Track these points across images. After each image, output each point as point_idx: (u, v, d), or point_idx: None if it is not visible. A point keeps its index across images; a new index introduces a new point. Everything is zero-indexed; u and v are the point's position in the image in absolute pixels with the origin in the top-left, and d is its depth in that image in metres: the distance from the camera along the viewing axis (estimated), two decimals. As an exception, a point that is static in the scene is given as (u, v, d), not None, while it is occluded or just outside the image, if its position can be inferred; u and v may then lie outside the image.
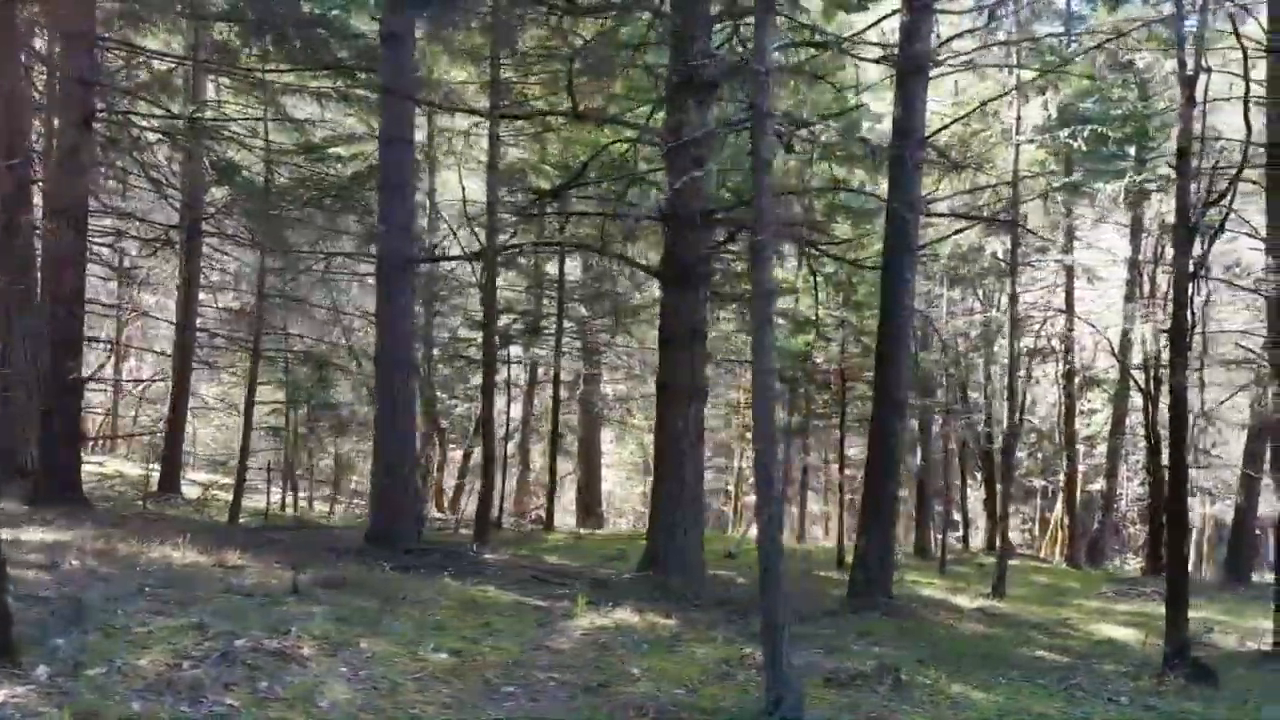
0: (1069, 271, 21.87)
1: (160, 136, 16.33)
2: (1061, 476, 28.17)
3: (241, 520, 15.23)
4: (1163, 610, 14.59)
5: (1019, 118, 13.76)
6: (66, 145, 13.88)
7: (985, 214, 14.30)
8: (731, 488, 29.90)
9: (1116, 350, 20.83)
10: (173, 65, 16.17)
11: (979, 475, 27.32)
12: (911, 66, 10.77)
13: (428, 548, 11.64)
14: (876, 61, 11.10)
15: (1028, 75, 13.33)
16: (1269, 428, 19.11)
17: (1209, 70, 8.63)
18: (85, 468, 21.04)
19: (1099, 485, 28.17)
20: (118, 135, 16.57)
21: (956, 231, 13.94)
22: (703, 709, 6.46)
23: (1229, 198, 8.58)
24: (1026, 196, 13.77)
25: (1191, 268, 8.84)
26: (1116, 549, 27.79)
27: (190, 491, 18.96)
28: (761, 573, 6.37)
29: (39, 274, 14.30)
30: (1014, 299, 13.97)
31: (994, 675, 8.39)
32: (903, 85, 10.98)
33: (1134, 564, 25.93)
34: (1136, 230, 20.87)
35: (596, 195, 12.24)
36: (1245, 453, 20.47)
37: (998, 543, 15.67)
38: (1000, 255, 15.47)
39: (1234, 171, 9.06)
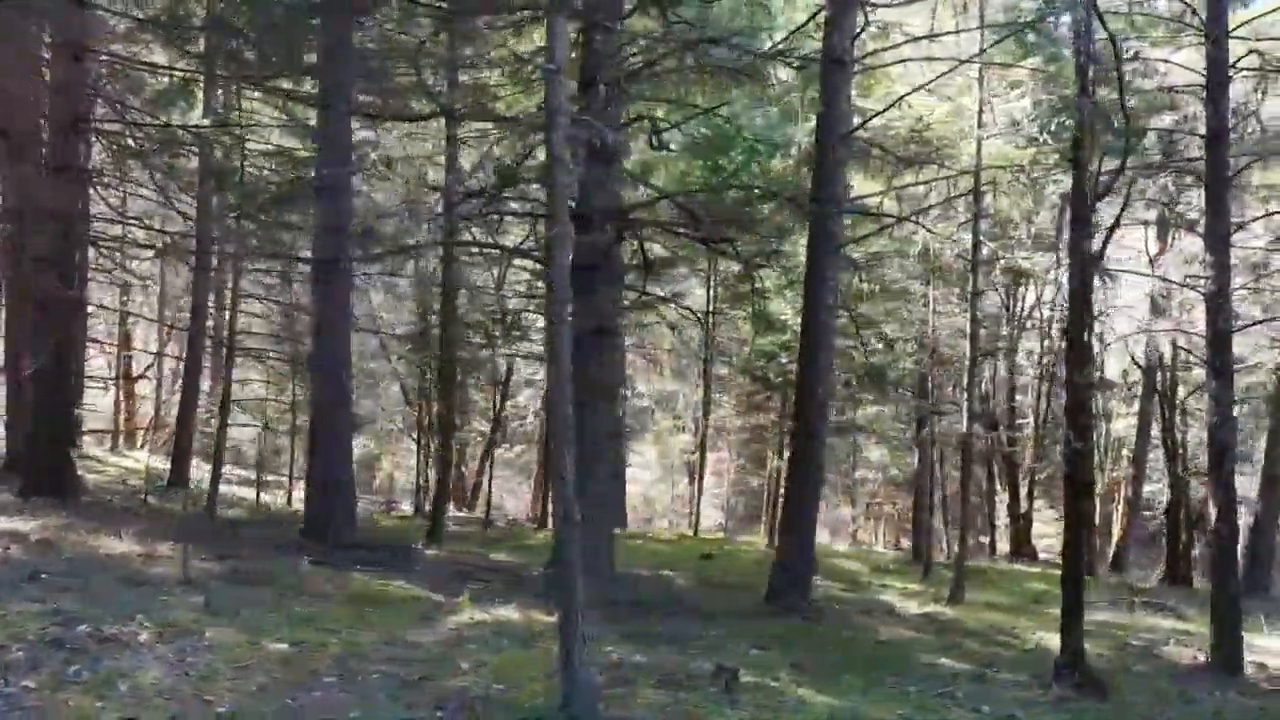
0: (1112, 272, 21.15)
1: (157, 145, 17.01)
2: (1101, 484, 27.43)
3: (228, 514, 15.75)
4: (1140, 620, 14.36)
5: (981, 111, 13.39)
6: (54, 151, 14.55)
7: (953, 212, 13.95)
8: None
9: (1131, 352, 20.08)
10: (161, 72, 16.76)
11: (1001, 479, 26.60)
12: (832, 59, 10.60)
13: (364, 543, 11.90)
14: (791, 57, 10.90)
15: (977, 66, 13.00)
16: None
17: (1097, 62, 8.31)
18: (112, 462, 22.08)
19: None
20: (120, 142, 17.42)
21: (881, 229, 13.60)
22: (503, 703, 6.52)
23: (1127, 193, 8.26)
24: (988, 189, 13.30)
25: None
26: (1151, 558, 26.76)
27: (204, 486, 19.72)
28: (559, 569, 6.39)
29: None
30: (975, 295, 13.56)
31: (867, 680, 8.24)
32: (825, 79, 10.81)
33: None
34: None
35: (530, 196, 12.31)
36: (1266, 456, 19.57)
37: (957, 548, 15.26)
38: (961, 253, 15.04)
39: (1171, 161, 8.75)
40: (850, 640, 10.01)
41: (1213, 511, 10.32)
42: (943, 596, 13.83)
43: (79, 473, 16.02)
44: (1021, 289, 24.78)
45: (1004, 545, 27.10)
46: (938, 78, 11.72)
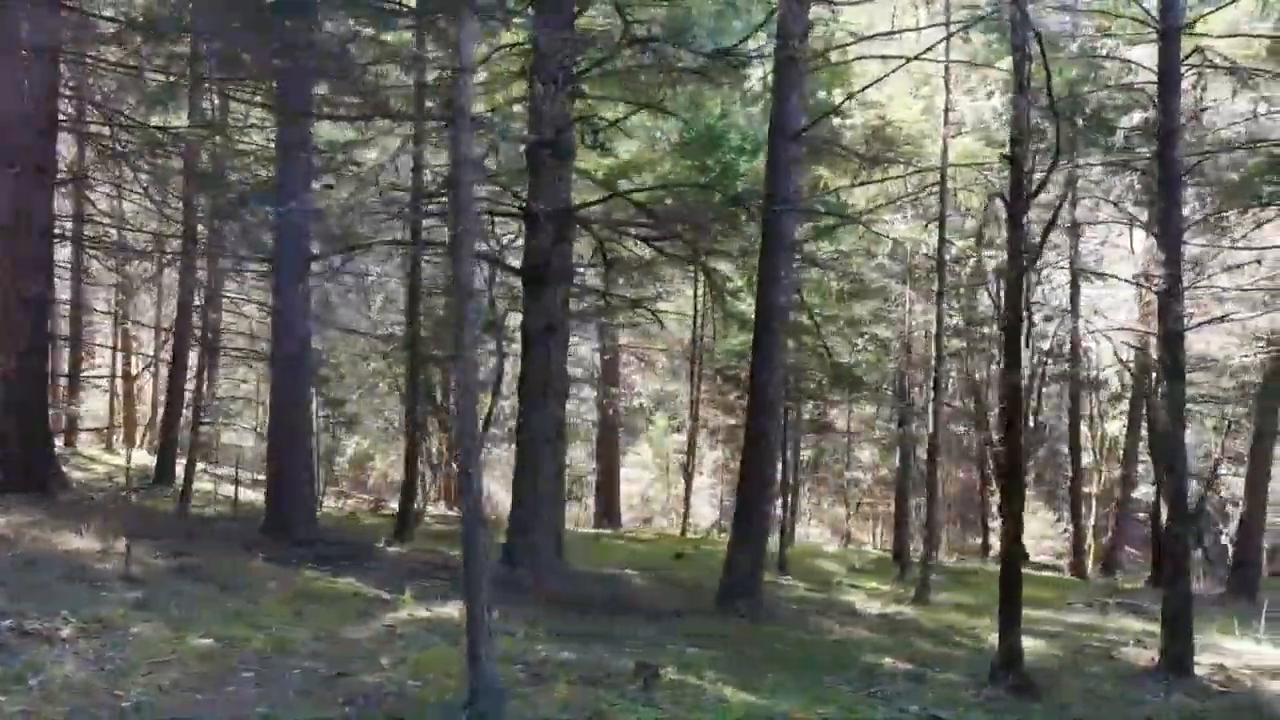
0: (1074, 271, 21.07)
1: (142, 148, 17.15)
2: (1095, 485, 27.23)
3: (205, 511, 15.85)
4: (1111, 622, 14.27)
5: (947, 110, 13.32)
6: (33, 152, 14.69)
7: (922, 210, 13.88)
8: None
9: (1118, 352, 19.94)
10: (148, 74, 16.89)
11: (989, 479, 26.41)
12: (784, 57, 10.57)
13: (323, 540, 11.96)
14: (739, 55, 10.85)
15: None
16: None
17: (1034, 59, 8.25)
18: (106, 460, 22.23)
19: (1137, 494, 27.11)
20: (106, 145, 17.58)
21: (833, 226, 13.52)
22: (415, 699, 6.55)
23: (1065, 191, 8.20)
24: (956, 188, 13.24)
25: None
26: (1141, 561, 26.54)
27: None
28: (464, 565, 6.42)
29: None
30: (941, 293, 13.48)
31: (800, 679, 8.23)
32: (777, 77, 10.77)
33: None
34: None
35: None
36: (1251, 458, 19.36)
37: (922, 550, 15.19)
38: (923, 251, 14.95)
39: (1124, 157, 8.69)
40: (796, 640, 9.99)
41: (1164, 511, 10.22)
42: (908, 597, 13.79)
43: (64, 470, 16.22)
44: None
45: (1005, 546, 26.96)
46: (887, 75, 11.64)
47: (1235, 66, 9.39)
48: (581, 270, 17.04)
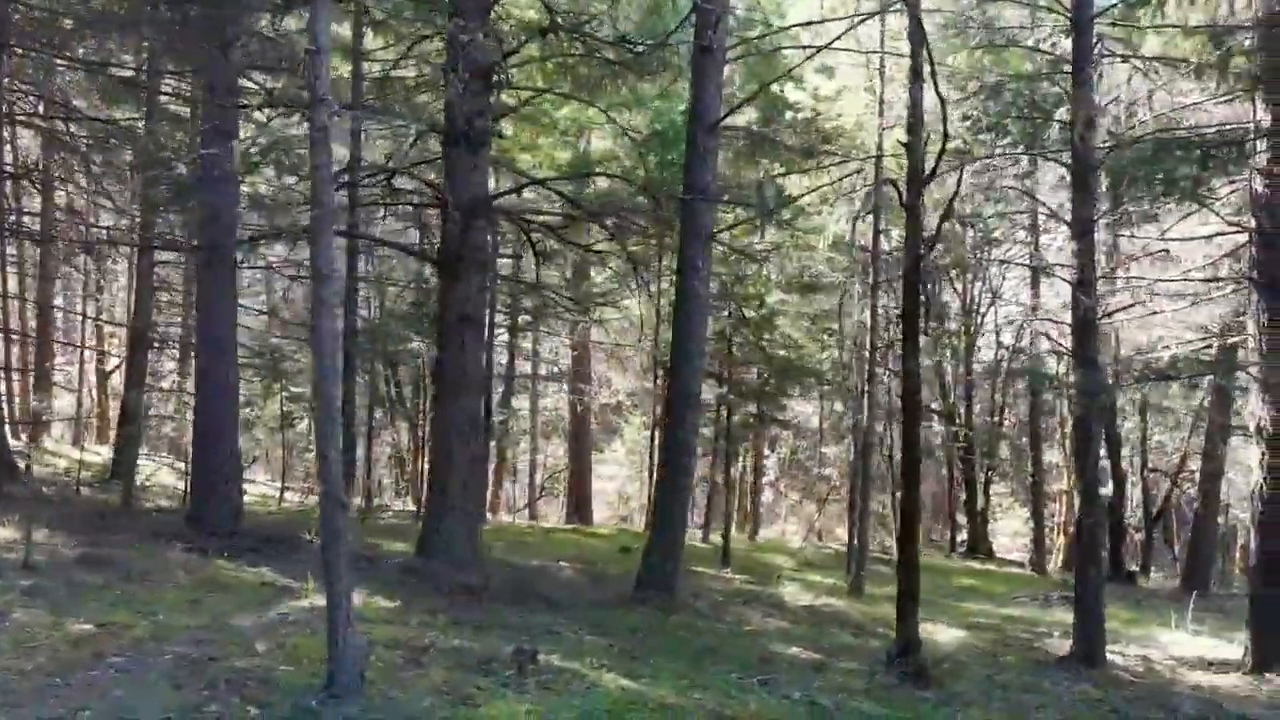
0: (1033, 267, 21.06)
1: (91, 141, 17.15)
2: (1066, 481, 27.20)
3: (149, 504, 15.84)
4: (1049, 615, 14.25)
5: (882, 101, 13.30)
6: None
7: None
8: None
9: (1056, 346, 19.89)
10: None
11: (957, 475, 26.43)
12: (701, 48, 10.56)
13: (249, 532, 11.94)
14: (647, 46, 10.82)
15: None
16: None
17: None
18: (70, 455, 22.18)
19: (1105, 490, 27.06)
20: (55, 138, 17.59)
21: (741, 222, 13.51)
22: (276, 683, 6.54)
23: (959, 180, 8.19)
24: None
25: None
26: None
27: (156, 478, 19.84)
28: (323, 549, 6.41)
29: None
30: (874, 287, 13.45)
31: (690, 667, 8.22)
32: (694, 68, 10.76)
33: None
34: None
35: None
36: (1204, 456, 19.37)
37: (856, 542, 15.17)
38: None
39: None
40: (704, 630, 9.96)
41: (1078, 500, 10.20)
42: (846, 590, 13.80)
43: (23, 465, 16.24)
44: (978, 283, 24.69)
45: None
46: (800, 63, 11.62)
47: (1135, 55, 9.36)
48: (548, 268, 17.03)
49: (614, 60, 10.88)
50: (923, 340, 21.72)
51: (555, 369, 33.37)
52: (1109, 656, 11.05)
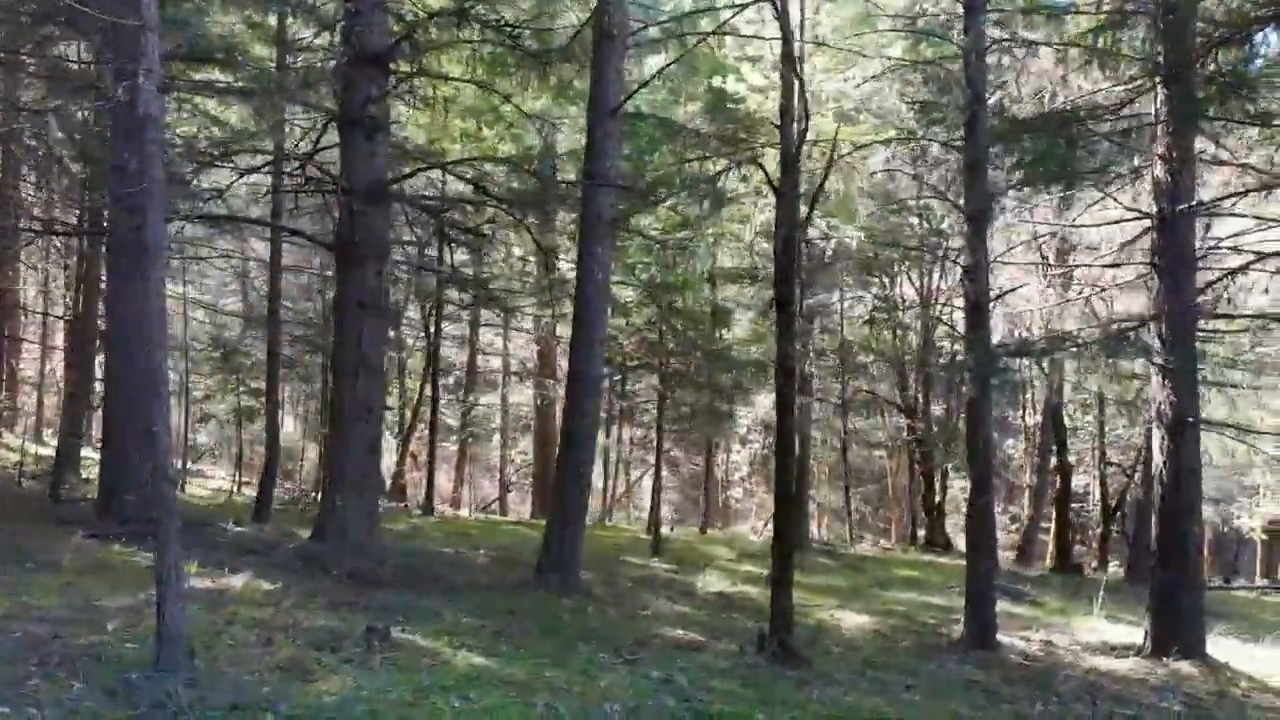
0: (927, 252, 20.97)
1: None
2: (1029, 476, 27.22)
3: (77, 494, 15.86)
4: (962, 603, 14.24)
5: (801, 89, 13.26)
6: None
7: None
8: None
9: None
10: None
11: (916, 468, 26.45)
12: (602, 34, 10.57)
13: (155, 519, 11.92)
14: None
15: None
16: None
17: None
18: (27, 450, 22.21)
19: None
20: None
21: (649, 205, 13.50)
22: (111, 659, 6.56)
23: (828, 165, 8.20)
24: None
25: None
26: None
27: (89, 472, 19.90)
28: (157, 527, 6.43)
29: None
30: (800, 276, 13.44)
31: (560, 647, 8.24)
32: (595, 54, 10.77)
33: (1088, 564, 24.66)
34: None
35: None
36: (1147, 445, 19.32)
37: (765, 531, 15.16)
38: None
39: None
40: (593, 614, 9.97)
41: (970, 486, 10.23)
42: (762, 579, 13.82)
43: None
44: (936, 274, 24.67)
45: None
46: (691, 47, 11.59)
47: (1018, 40, 9.38)
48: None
49: (523, 48, 10.87)
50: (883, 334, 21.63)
51: (525, 365, 33.40)
52: (1010, 641, 11.11)
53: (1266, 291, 12.60)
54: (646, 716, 6.62)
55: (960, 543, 28.14)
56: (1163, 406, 10.98)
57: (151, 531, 11.32)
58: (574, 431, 10.95)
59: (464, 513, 25.28)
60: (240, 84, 10.12)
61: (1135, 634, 11.87)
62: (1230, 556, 36.53)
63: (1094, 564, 22.75)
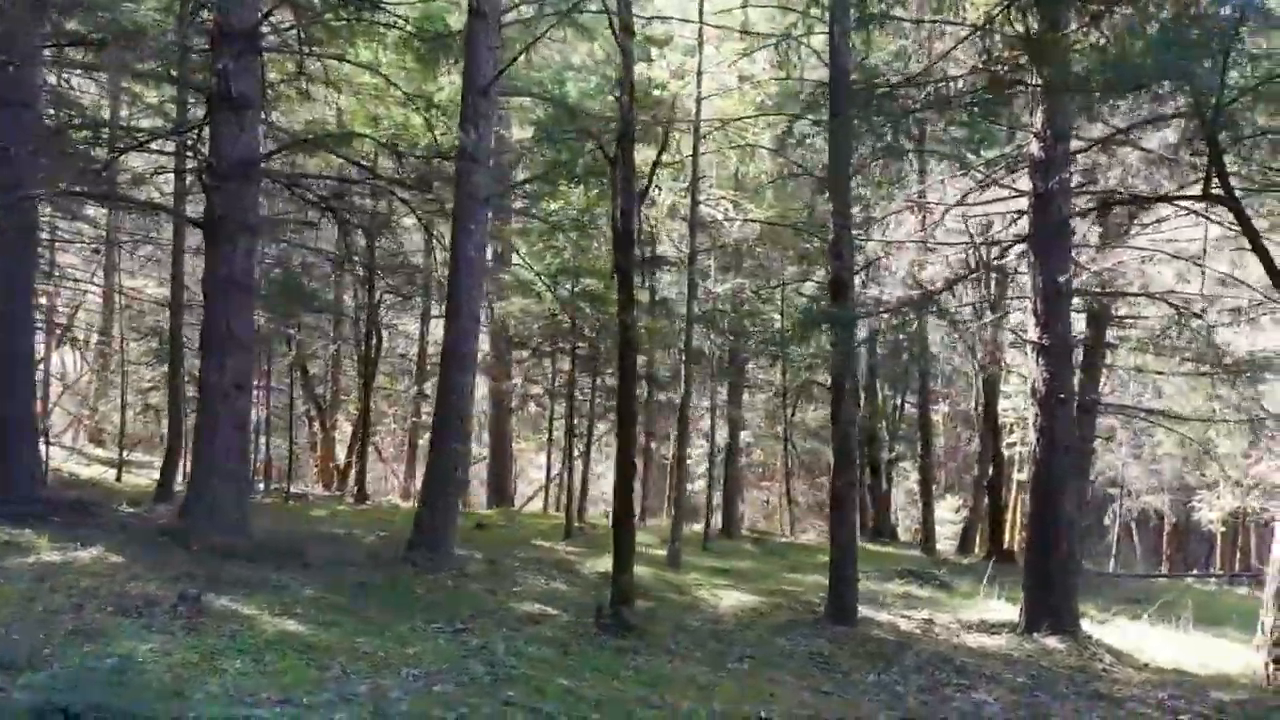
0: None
1: None
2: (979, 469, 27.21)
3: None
4: (887, 589, 14.24)
5: (700, 72, 13.30)
6: None
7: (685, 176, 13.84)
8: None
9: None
10: None
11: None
12: (472, 11, 10.56)
13: (51, 499, 11.95)
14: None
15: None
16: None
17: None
18: None
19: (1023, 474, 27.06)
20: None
21: (524, 182, 13.51)
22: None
23: (662, 143, 8.19)
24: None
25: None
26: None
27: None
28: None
29: None
30: (692, 258, 13.40)
31: (397, 618, 8.24)
32: (467, 30, 10.74)
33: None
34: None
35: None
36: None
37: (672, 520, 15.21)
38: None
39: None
40: (452, 589, 9.92)
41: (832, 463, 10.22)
42: (662, 560, 13.90)
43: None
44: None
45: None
46: (554, 24, 11.45)
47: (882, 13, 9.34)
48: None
49: (401, 27, 10.86)
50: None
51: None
52: (887, 619, 11.16)
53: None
54: (446, 680, 6.63)
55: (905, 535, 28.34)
56: (1036, 383, 10.99)
57: (33, 512, 11.42)
58: (446, 408, 10.95)
59: (410, 503, 25.21)
60: (92, 59, 10.07)
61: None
62: (1198, 548, 36.61)
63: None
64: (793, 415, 25.77)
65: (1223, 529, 32.79)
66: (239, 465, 10.73)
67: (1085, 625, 11.19)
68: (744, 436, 28.32)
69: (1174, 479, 31.32)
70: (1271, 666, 9.16)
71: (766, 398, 25.79)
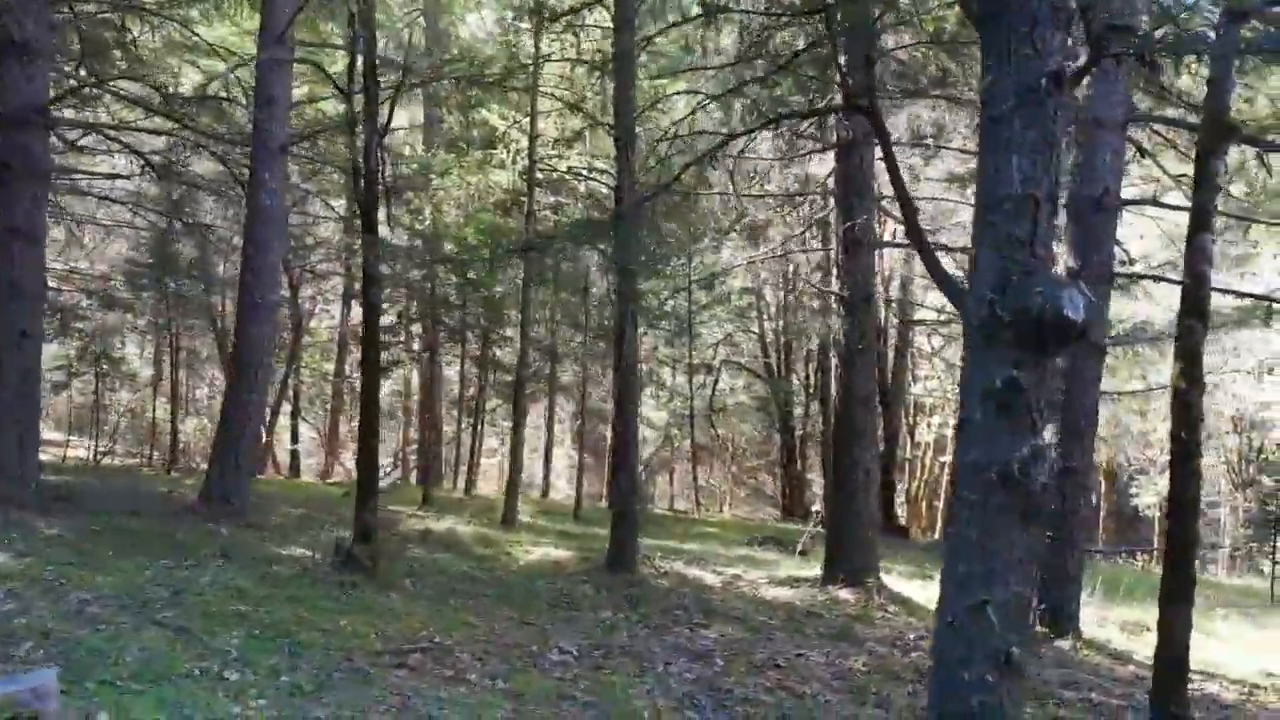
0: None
1: None
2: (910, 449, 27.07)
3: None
4: (727, 552, 14.17)
5: (538, 48, 13.19)
6: None
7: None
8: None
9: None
10: None
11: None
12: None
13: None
14: None
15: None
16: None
17: None
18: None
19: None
20: None
21: (316, 133, 13.40)
22: None
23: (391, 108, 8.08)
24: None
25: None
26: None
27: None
28: None
29: None
30: (529, 215, 13.32)
31: (135, 554, 8.20)
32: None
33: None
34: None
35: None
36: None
37: (506, 488, 15.12)
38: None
39: None
40: (225, 535, 9.74)
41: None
42: (495, 521, 13.91)
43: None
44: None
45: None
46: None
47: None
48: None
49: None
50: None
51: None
52: (685, 572, 11.14)
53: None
54: (109, 603, 6.56)
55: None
56: (836, 335, 10.92)
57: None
58: (242, 357, 10.87)
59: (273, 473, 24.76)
60: None
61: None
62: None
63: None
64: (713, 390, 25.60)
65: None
66: (26, 414, 10.58)
67: (888, 579, 11.14)
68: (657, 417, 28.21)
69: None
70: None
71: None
